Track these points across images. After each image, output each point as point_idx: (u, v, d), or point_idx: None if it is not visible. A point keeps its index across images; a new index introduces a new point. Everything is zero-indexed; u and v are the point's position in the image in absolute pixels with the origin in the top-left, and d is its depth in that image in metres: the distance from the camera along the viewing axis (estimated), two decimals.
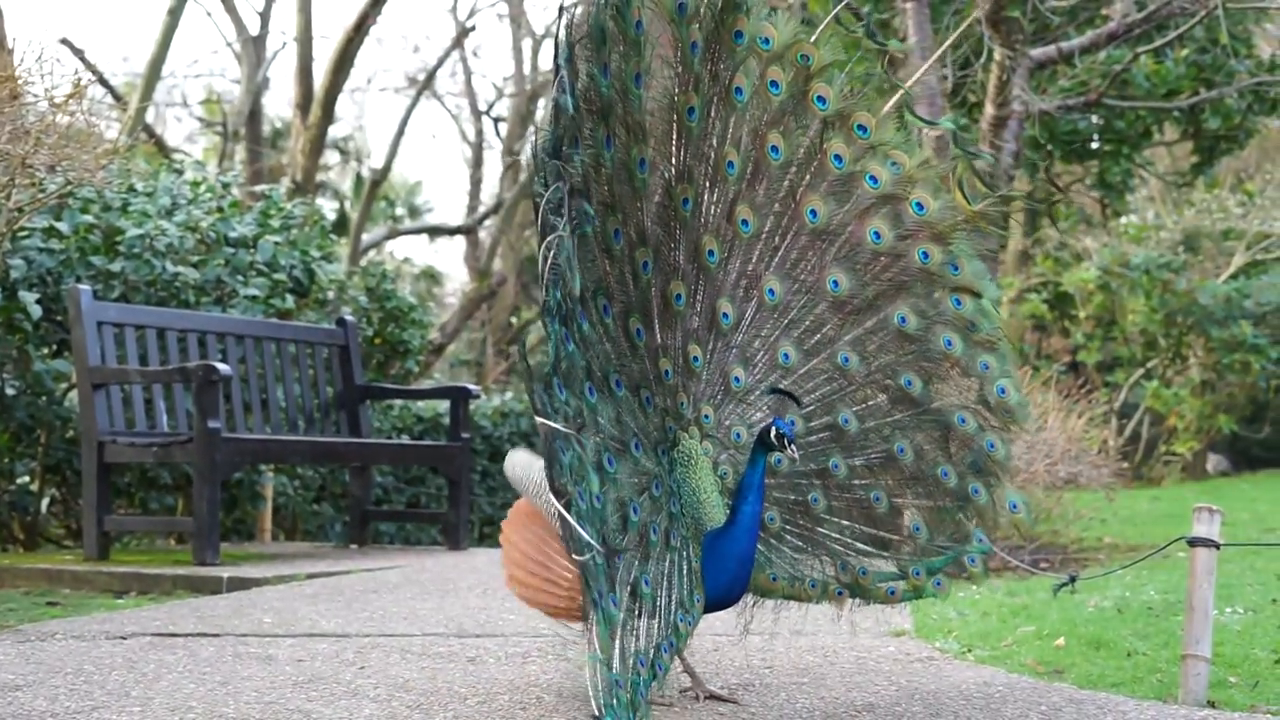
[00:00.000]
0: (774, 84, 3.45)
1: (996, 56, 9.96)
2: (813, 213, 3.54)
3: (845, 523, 3.70)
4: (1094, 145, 15.56)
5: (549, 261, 3.09)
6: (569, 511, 3.06)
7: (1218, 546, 3.74)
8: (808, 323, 3.61)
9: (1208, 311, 16.06)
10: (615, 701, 2.95)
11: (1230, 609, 5.17)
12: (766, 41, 3.43)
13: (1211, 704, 3.68)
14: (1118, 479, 9.75)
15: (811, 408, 3.60)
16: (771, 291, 3.57)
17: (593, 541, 3.06)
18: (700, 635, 4.20)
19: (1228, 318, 15.99)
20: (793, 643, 4.63)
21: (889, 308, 3.61)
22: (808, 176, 3.53)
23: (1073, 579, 4.88)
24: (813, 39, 3.46)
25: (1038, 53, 10.61)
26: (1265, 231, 18.29)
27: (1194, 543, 3.73)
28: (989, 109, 10.06)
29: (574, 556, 3.08)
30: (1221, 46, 12.84)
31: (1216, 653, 4.00)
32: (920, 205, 3.55)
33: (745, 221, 3.51)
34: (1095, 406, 9.82)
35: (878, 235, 3.56)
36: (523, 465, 3.72)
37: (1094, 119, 14.96)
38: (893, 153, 3.53)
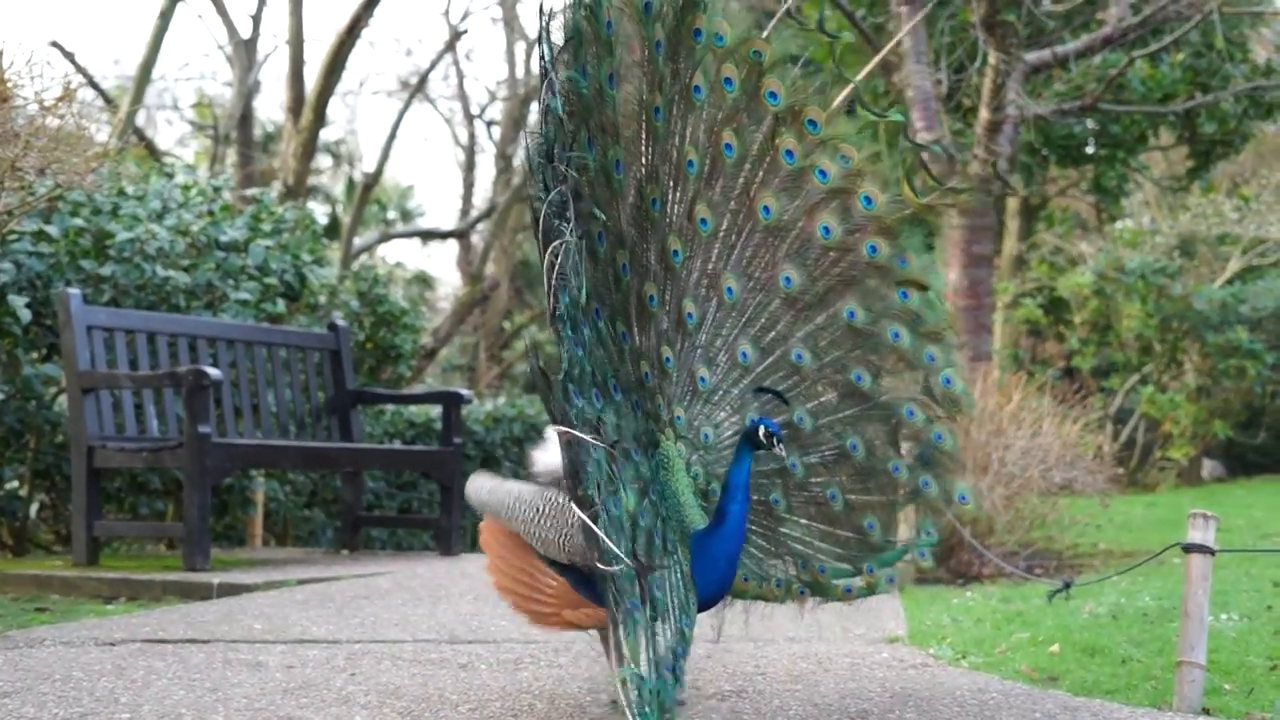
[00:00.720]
0: (728, 81, 3.47)
1: (991, 60, 9.95)
2: (765, 209, 3.56)
3: (804, 521, 3.73)
4: (1089, 150, 15.58)
5: (556, 268, 3.04)
6: (595, 523, 3.01)
7: (1213, 553, 3.72)
8: (763, 320, 3.64)
9: (1203, 317, 16.05)
10: (649, 709, 2.92)
11: (1225, 615, 5.15)
12: (720, 38, 3.45)
13: (1206, 711, 3.67)
14: (1113, 485, 9.73)
15: (769, 406, 3.59)
16: (730, 290, 3.58)
17: (620, 554, 3.03)
18: (695, 640, 4.17)
19: (1223, 323, 15.97)
20: (786, 649, 4.61)
21: (839, 303, 3.65)
22: (761, 173, 3.55)
23: (1067, 585, 4.85)
24: (764, 34, 3.46)
25: (1033, 57, 10.60)
26: (1261, 236, 18.27)
27: (1189, 549, 3.71)
28: (984, 113, 10.04)
29: (601, 567, 3.02)
30: (1217, 51, 12.87)
31: (1211, 659, 3.98)
32: (868, 199, 3.59)
33: (704, 220, 3.52)
34: (1090, 412, 9.81)
35: (827, 230, 3.60)
36: (489, 490, 3.63)
37: (1089, 123, 14.99)
38: (841, 147, 3.56)
